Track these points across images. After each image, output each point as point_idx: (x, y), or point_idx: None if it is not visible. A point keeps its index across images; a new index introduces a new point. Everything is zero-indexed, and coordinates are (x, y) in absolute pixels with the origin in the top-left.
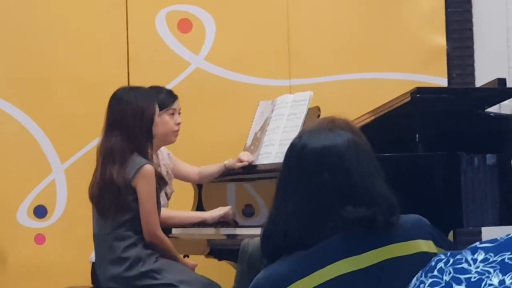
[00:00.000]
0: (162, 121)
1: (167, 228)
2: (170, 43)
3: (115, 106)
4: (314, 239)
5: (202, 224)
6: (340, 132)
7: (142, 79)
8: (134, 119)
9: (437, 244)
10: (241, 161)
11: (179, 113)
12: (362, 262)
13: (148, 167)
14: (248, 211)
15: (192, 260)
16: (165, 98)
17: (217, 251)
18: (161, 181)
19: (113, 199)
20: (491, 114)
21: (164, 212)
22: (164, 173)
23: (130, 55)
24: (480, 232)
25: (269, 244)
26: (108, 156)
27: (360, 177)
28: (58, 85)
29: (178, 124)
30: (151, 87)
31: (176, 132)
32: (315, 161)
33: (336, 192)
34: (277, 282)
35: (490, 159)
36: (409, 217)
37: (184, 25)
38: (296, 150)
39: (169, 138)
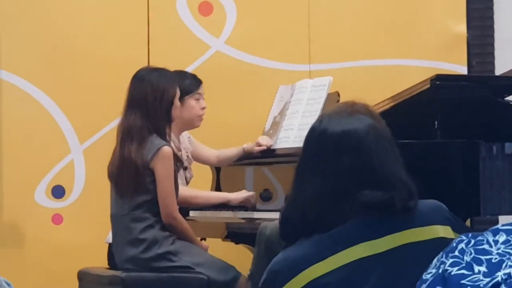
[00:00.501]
0: (188, 106)
1: (184, 211)
2: (191, 25)
3: (136, 85)
4: (331, 223)
5: (225, 205)
6: (360, 116)
7: (162, 61)
8: (154, 99)
9: (454, 229)
10: (260, 145)
11: (203, 98)
12: (379, 246)
13: (166, 149)
14: (266, 195)
15: (209, 243)
16: (191, 83)
17: (235, 234)
18: (178, 163)
19: (131, 178)
20: (511, 103)
21: (189, 191)
22: (184, 157)
23: (150, 36)
24: (497, 221)
25: (287, 227)
26: (127, 134)
27: (379, 162)
28: (78, 66)
29: (203, 108)
30: (176, 71)
31: (201, 117)
32: (335, 145)
33: (354, 176)
34: (293, 265)
35: (509, 147)
36: (427, 202)
37: (205, 8)
38: (316, 134)
39: (195, 122)
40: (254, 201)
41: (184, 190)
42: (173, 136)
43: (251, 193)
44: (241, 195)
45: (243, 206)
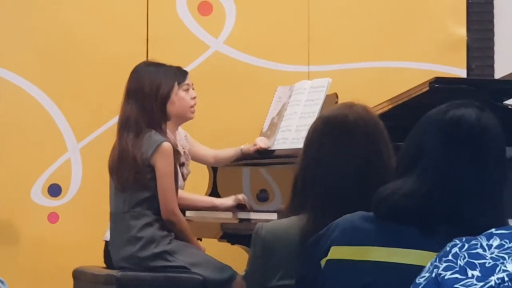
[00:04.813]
0: (178, 97)
1: (180, 211)
2: (190, 25)
3: (133, 77)
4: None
5: (213, 209)
6: None
7: (161, 60)
8: (150, 90)
9: None
10: (257, 147)
11: (193, 88)
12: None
13: (167, 145)
14: (263, 196)
15: (204, 243)
16: (177, 74)
17: (230, 235)
18: (177, 155)
19: (131, 170)
20: (510, 107)
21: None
22: (181, 153)
23: (149, 35)
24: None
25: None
26: (124, 125)
27: None
28: (76, 64)
29: (194, 98)
30: (158, 65)
31: (193, 107)
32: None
33: None
34: (360, 235)
35: (509, 151)
36: None
37: (205, 8)
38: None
39: (187, 114)
40: (247, 203)
41: None
42: (169, 133)
43: (239, 197)
44: (228, 202)
45: (239, 206)
